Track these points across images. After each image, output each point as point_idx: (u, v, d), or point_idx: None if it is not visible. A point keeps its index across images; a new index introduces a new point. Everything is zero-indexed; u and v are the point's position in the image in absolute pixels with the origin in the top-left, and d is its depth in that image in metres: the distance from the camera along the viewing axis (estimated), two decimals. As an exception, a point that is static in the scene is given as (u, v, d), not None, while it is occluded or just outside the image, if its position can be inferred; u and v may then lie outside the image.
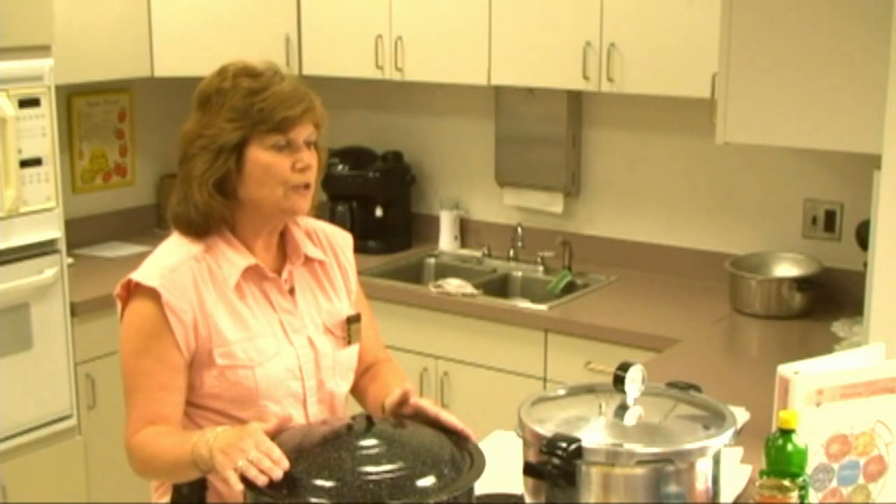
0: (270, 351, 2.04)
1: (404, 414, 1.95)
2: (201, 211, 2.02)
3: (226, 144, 1.99)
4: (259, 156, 2.00)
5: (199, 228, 2.04)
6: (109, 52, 3.96)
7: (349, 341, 2.16)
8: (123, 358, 2.02)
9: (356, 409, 2.13)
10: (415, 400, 1.95)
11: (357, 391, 2.23)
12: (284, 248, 2.14)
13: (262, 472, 1.68)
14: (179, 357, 1.98)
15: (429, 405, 1.93)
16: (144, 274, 2.00)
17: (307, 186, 2.04)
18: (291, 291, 2.12)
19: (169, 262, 2.02)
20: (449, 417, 1.88)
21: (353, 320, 2.17)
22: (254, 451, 1.72)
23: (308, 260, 2.15)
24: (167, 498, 2.00)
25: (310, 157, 2.04)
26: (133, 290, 2.01)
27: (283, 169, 2.00)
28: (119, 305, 2.06)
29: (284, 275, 2.11)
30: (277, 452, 1.71)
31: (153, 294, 1.97)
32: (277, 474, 1.67)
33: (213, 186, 2.00)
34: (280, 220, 2.10)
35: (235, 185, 2.02)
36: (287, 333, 2.08)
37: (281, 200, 2.02)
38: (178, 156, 2.06)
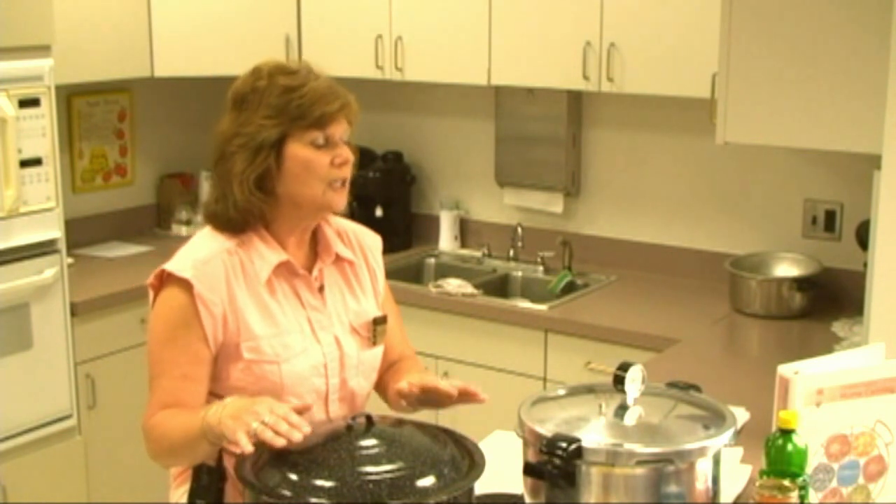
0: (297, 347, 2.05)
1: (420, 399, 2.03)
2: (241, 208, 2.03)
3: (265, 141, 1.99)
4: (298, 152, 2.01)
5: (238, 226, 2.05)
6: (109, 52, 3.96)
7: (374, 342, 2.17)
8: (150, 345, 2.04)
9: (377, 407, 2.13)
10: (409, 383, 2.03)
11: (380, 387, 2.25)
12: (316, 246, 2.15)
13: (278, 434, 1.70)
14: (206, 349, 2.00)
15: (428, 381, 2.02)
16: (178, 265, 2.01)
17: (344, 183, 2.06)
18: (321, 289, 2.13)
19: (202, 254, 2.03)
20: (447, 385, 1.96)
21: (379, 321, 2.18)
22: (269, 415, 1.74)
23: (338, 259, 2.17)
24: (185, 486, 2.01)
25: (347, 152, 2.05)
26: (165, 280, 2.02)
27: (322, 164, 2.02)
28: (151, 295, 2.06)
29: (315, 272, 2.12)
30: (295, 417, 1.74)
31: (185, 285, 1.98)
32: (297, 436, 1.70)
33: (254, 183, 2.01)
34: (316, 217, 2.11)
35: (275, 181, 2.03)
36: (314, 331, 2.09)
37: (319, 197, 2.03)
38: (214, 156, 2.06)
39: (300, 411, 1.82)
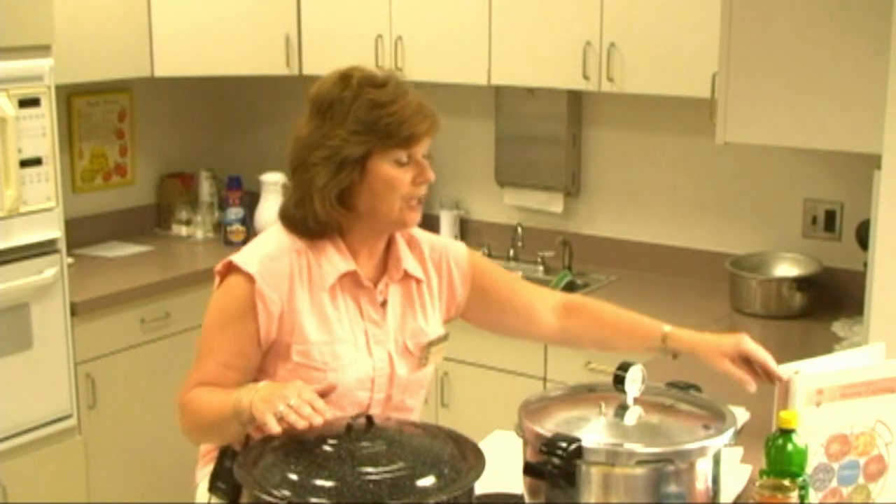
0: (347, 359, 2.05)
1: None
2: (320, 220, 2.02)
3: (349, 157, 1.98)
4: (382, 169, 2.00)
5: (315, 234, 2.05)
6: (109, 52, 3.96)
7: (424, 363, 2.17)
8: (204, 326, 2.06)
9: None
10: (747, 347, 2.05)
11: (569, 335, 2.33)
12: (386, 258, 2.14)
13: (302, 417, 1.74)
14: (255, 344, 2.01)
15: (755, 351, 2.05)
16: (245, 258, 2.02)
17: (420, 200, 2.07)
18: (383, 304, 2.12)
19: (270, 250, 2.04)
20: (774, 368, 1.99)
21: (434, 343, 2.17)
22: (295, 399, 1.77)
23: (406, 276, 2.15)
24: (210, 467, 2.04)
25: (430, 173, 2.06)
26: (231, 269, 2.03)
27: (404, 183, 2.02)
28: (216, 280, 2.07)
29: (380, 286, 2.11)
30: (320, 402, 1.77)
31: (249, 279, 1.99)
32: (317, 420, 1.74)
33: (335, 198, 2.01)
34: (388, 231, 2.12)
35: (356, 196, 2.02)
36: (369, 344, 2.08)
37: (395, 213, 2.04)
38: (293, 161, 2.05)
39: (325, 393, 1.85)
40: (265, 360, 2.04)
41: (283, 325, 2.01)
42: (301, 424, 1.74)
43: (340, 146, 1.98)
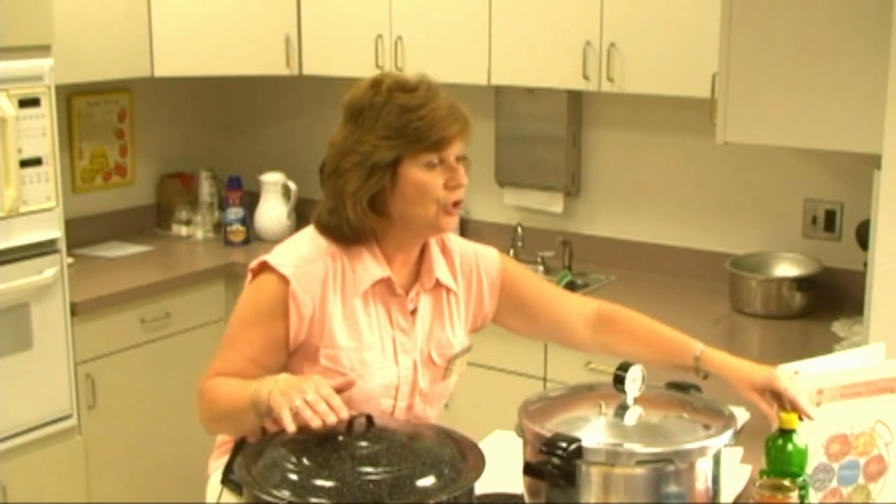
0: (374, 365, 2.05)
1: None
2: (354, 227, 2.02)
3: (380, 162, 1.98)
4: (413, 174, 2.00)
5: (350, 240, 2.04)
6: (109, 52, 3.96)
7: (448, 375, 2.17)
8: (233, 318, 2.06)
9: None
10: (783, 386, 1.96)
11: (601, 347, 2.31)
12: (419, 266, 2.14)
13: (316, 414, 1.73)
14: (282, 344, 2.01)
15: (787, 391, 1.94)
16: (280, 259, 2.02)
17: (457, 204, 2.06)
18: (413, 312, 2.12)
19: (306, 252, 2.03)
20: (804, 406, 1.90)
21: (458, 355, 2.17)
22: (312, 394, 1.76)
23: (438, 285, 2.15)
24: (225, 458, 2.04)
25: (462, 176, 2.06)
26: (265, 269, 2.03)
27: (436, 187, 2.01)
28: (249, 277, 2.07)
29: (411, 294, 2.11)
30: (337, 400, 1.76)
31: (283, 279, 1.99)
32: (331, 419, 1.73)
33: (367, 203, 2.00)
34: (425, 237, 2.11)
35: (388, 201, 2.02)
36: (396, 352, 2.08)
37: (431, 218, 2.03)
38: (328, 168, 2.05)
39: (343, 388, 1.85)
40: (292, 360, 2.04)
41: (313, 328, 2.01)
42: (315, 422, 1.73)
43: (371, 151, 1.98)
